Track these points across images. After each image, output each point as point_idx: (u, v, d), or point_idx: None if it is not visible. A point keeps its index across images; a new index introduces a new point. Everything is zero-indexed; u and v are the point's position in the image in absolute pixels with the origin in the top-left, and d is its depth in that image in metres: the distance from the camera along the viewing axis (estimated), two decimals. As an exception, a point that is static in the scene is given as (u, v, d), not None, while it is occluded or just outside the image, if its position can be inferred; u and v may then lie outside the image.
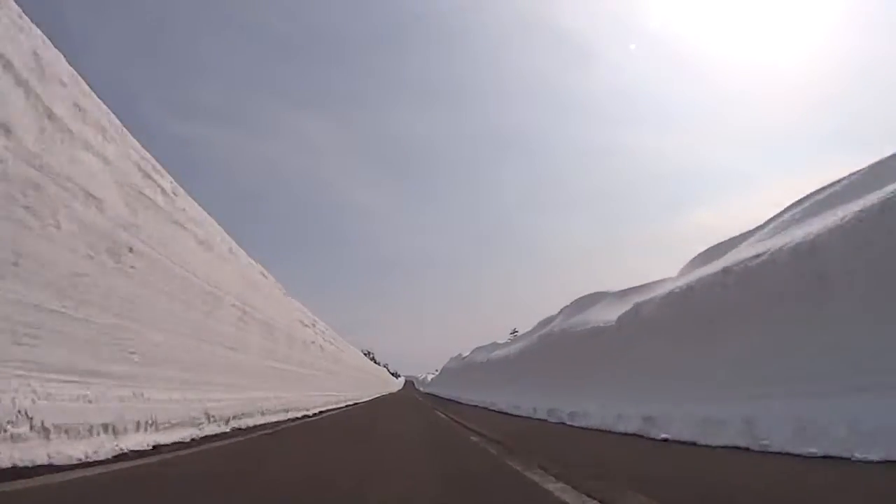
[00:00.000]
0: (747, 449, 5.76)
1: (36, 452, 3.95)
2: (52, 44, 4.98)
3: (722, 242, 12.68)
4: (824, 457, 4.88)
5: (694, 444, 6.54)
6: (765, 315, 7.75)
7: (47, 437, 4.11)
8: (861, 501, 3.13)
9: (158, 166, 6.37)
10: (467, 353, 41.96)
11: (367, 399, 27.70)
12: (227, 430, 7.17)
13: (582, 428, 9.33)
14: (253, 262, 9.75)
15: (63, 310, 4.33)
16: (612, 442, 7.18)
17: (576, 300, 18.31)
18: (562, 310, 19.57)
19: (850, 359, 6.07)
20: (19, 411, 3.65)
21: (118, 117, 6.14)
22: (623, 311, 13.27)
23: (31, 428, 3.77)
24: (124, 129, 5.80)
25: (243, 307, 8.36)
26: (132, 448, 4.97)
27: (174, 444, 5.58)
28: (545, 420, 12.06)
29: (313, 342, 14.11)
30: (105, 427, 4.82)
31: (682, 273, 12.96)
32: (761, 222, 11.62)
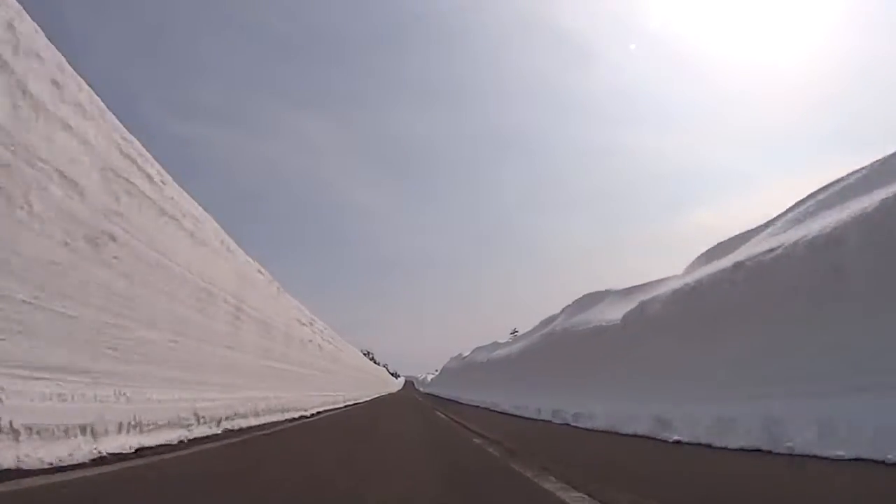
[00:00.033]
0: (769, 451, 5.44)
1: (3, 455, 3.62)
2: (48, 37, 4.68)
3: (728, 239, 12.36)
4: (855, 459, 4.56)
5: (709, 446, 6.22)
6: (778, 311, 7.44)
7: (16, 439, 3.78)
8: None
9: (145, 152, 6.03)
10: (468, 353, 41.61)
11: (367, 399, 27.34)
12: (219, 431, 6.82)
13: (589, 430, 8.98)
14: (249, 258, 9.41)
15: (34, 301, 3.99)
16: (624, 445, 6.84)
17: (579, 299, 17.98)
18: (564, 308, 19.23)
19: (871, 354, 5.76)
20: (-18, 411, 3.32)
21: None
22: (627, 309, 12.95)
23: (-2, 429, 3.44)
24: (106, 111, 5.46)
25: (238, 304, 8.02)
26: (112, 451, 4.63)
27: (159, 446, 5.24)
28: (549, 421, 11.73)
29: (311, 341, 13.77)
30: (83, 428, 4.48)
31: (688, 270, 12.65)
32: (763, 221, 11.37)
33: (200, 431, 6.37)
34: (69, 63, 5.08)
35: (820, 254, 7.02)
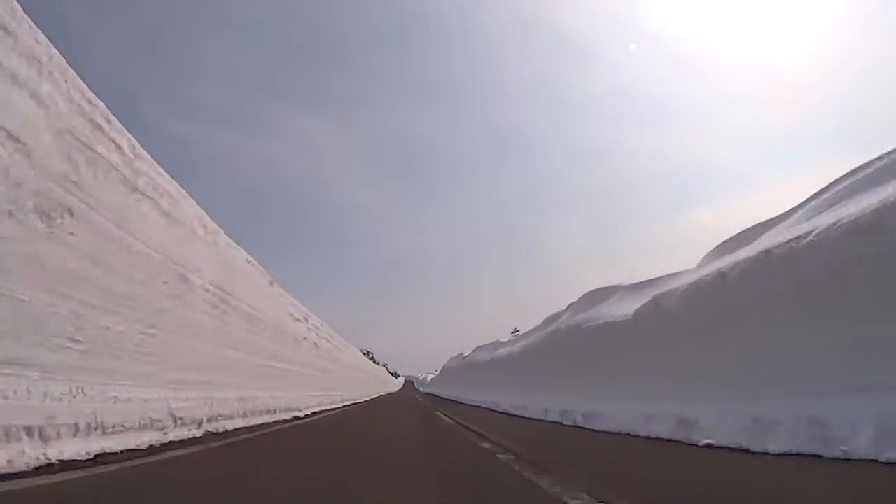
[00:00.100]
0: (819, 456, 4.79)
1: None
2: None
3: (744, 230, 11.69)
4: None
5: (747, 450, 5.56)
6: (814, 301, 6.81)
7: (-62, 444, 3.13)
8: None
9: (114, 119, 5.37)
10: (468, 353, 40.91)
11: (366, 399, 26.67)
12: (200, 434, 6.16)
13: (604, 432, 8.31)
14: (236, 245, 8.74)
15: (-36, 279, 3.33)
16: (653, 450, 6.16)
17: (585, 294, 17.32)
18: (570, 305, 18.57)
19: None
20: None
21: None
22: (638, 305, 12.29)
23: None
24: (69, 70, 4.80)
25: (222, 295, 7.35)
26: (66, 457, 3.97)
27: (124, 452, 4.57)
28: (558, 422, 11.06)
29: (305, 338, 13.09)
30: (28, 430, 3.82)
31: (703, 263, 11.99)
32: (771, 215, 10.84)
33: (177, 434, 5.71)
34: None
35: (861, 237, 6.39)
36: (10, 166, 3.88)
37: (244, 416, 7.70)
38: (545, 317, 23.34)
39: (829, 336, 6.35)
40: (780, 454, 5.11)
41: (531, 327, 25.16)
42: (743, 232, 11.58)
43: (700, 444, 6.15)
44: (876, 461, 4.33)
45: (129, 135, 5.64)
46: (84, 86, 4.96)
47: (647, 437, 7.18)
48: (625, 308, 13.52)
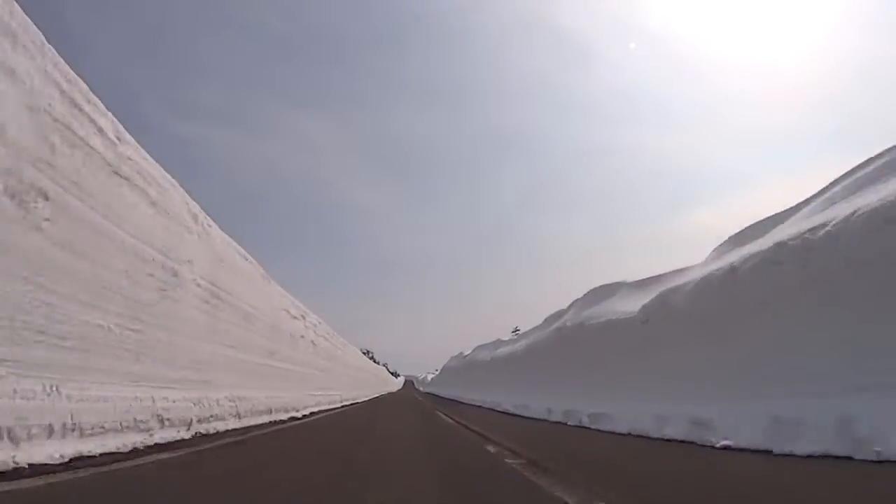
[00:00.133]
0: (849, 458, 4.47)
1: None
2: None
3: (752, 226, 11.40)
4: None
5: (769, 452, 5.25)
6: (831, 293, 6.51)
7: None
8: None
9: (96, 100, 5.04)
10: (469, 352, 40.58)
11: (365, 399, 26.32)
12: (188, 436, 5.83)
13: (614, 434, 7.97)
14: (230, 240, 8.40)
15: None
16: (670, 452, 5.84)
17: (589, 292, 16.99)
18: (573, 303, 18.23)
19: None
20: None
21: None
22: (643, 302, 11.98)
23: None
24: (47, 44, 4.47)
25: (214, 289, 7.01)
26: (38, 461, 3.65)
27: (104, 455, 4.25)
28: (563, 423, 10.74)
29: (303, 336, 12.75)
30: (-5, 432, 3.50)
31: (712, 258, 11.68)
32: (773, 214, 10.60)
33: (164, 436, 5.38)
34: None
35: (882, 226, 6.10)
36: (-25, 144, 3.56)
37: (238, 416, 7.37)
38: (546, 316, 23.05)
39: (851, 330, 6.04)
40: (807, 456, 4.80)
41: (532, 326, 24.85)
42: (751, 226, 11.28)
43: (717, 445, 5.83)
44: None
45: (112, 117, 5.31)
46: (63, 63, 4.63)
47: (661, 439, 6.84)
48: (630, 305, 13.19)
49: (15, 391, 3.70)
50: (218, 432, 6.42)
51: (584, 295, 17.40)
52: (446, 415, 13.76)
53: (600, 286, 16.76)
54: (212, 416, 6.51)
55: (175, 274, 5.93)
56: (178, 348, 6.00)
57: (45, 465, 3.64)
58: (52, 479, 3.32)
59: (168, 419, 5.53)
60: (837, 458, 4.54)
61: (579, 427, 9.61)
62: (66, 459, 3.89)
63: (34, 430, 3.79)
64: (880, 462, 4.20)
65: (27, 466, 3.51)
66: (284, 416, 9.72)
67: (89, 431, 4.33)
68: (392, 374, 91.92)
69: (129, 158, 5.42)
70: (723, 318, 8.42)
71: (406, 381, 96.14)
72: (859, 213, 6.61)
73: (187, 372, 6.20)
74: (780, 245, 7.85)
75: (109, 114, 5.27)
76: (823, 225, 7.27)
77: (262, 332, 9.35)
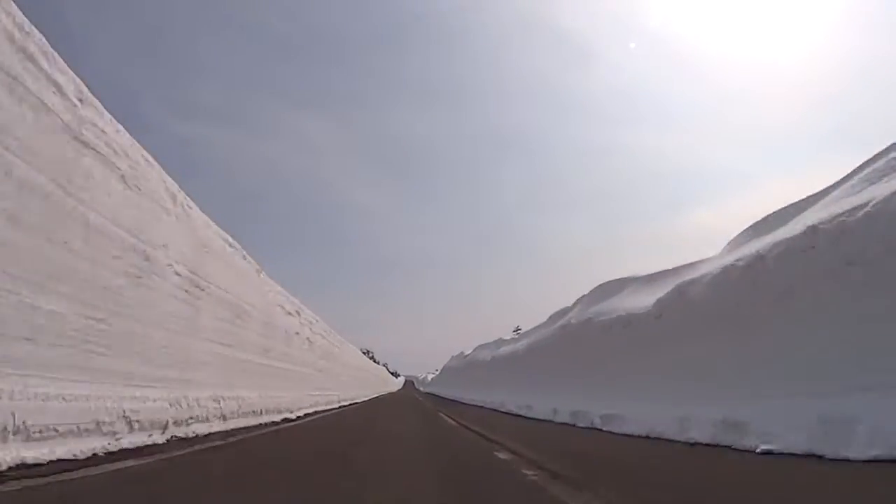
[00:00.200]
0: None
1: None
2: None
3: (774, 213, 10.72)
4: None
5: (819, 456, 4.63)
6: (872, 279, 5.92)
7: None
8: None
9: (57, 57, 4.41)
10: (469, 351, 39.93)
11: (364, 399, 25.67)
12: (163, 440, 5.20)
13: (631, 436, 7.33)
14: (215, 225, 7.75)
15: None
16: (712, 460, 5.18)
17: (596, 287, 16.36)
18: (579, 299, 17.61)
19: None
20: None
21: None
22: (656, 297, 11.36)
23: None
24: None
25: (194, 277, 6.38)
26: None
27: (53, 463, 3.61)
28: (572, 425, 10.10)
29: (298, 333, 12.12)
30: None
31: (731, 248, 11.06)
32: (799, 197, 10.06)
33: (133, 440, 4.75)
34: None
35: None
36: None
37: (223, 418, 6.73)
38: (547, 315, 22.41)
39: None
40: (869, 461, 4.19)
41: (535, 325, 24.22)
42: (772, 215, 10.61)
43: (757, 450, 5.20)
44: None
45: (74, 77, 4.68)
46: (19, 13, 4.00)
47: (688, 443, 6.21)
48: (641, 300, 12.57)
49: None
50: (198, 436, 5.79)
51: (591, 291, 16.76)
52: (450, 417, 13.13)
53: (608, 282, 16.14)
54: (192, 418, 5.88)
55: (147, 258, 5.29)
56: (151, 342, 5.37)
57: (-28, 477, 3.02)
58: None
59: (138, 421, 4.90)
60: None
61: (591, 429, 8.98)
62: (2, 468, 3.26)
63: (-38, 435, 3.16)
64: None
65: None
66: (277, 418, 9.08)
67: (37, 435, 3.70)
68: (392, 374, 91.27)
69: (94, 125, 4.79)
70: (748, 309, 7.80)
71: (406, 381, 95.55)
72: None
73: (164, 369, 5.56)
74: (812, 230, 7.24)
75: (71, 73, 4.64)
76: (861, 206, 6.68)
77: (252, 328, 8.71)
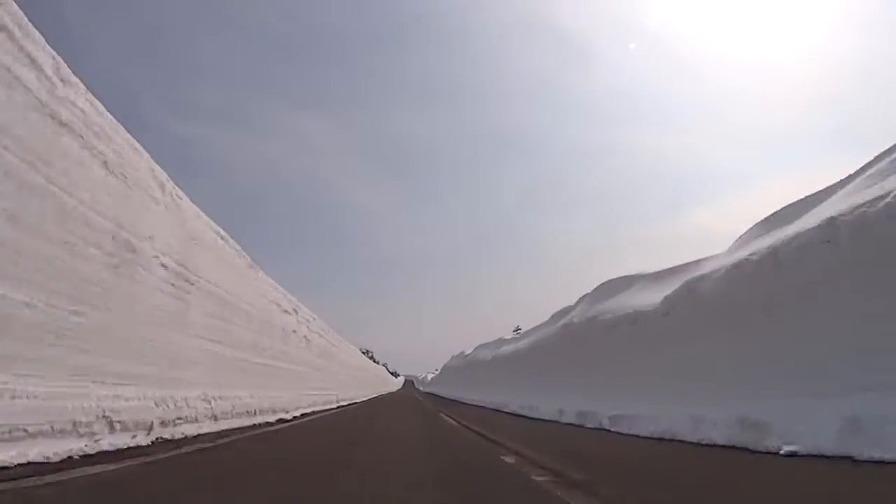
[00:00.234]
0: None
1: None
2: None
3: (784, 208, 10.42)
4: None
5: (848, 458, 4.32)
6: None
7: None
8: None
9: (31, 29, 4.10)
10: (470, 351, 39.61)
11: (363, 399, 25.33)
12: (147, 441, 4.89)
13: (644, 438, 7.00)
14: (206, 217, 7.42)
15: None
16: (735, 463, 4.84)
17: (600, 285, 16.05)
18: (582, 297, 17.31)
19: None
20: None
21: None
22: (664, 293, 11.04)
23: None
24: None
25: (183, 270, 6.06)
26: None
27: (21, 466, 3.30)
28: (579, 426, 9.77)
29: (294, 331, 11.79)
30: None
31: (740, 245, 10.74)
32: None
33: (114, 441, 4.43)
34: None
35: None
36: None
37: (214, 418, 6.41)
38: (547, 315, 22.08)
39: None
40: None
41: (536, 324, 23.88)
42: (783, 209, 10.31)
43: (782, 452, 4.88)
44: None
45: (53, 52, 4.36)
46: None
47: (706, 445, 5.88)
48: (648, 297, 12.26)
49: None
50: (186, 437, 5.47)
51: (595, 289, 16.45)
52: (451, 417, 12.81)
53: (612, 279, 15.83)
54: (179, 419, 5.56)
55: (133, 250, 4.97)
56: (136, 338, 5.05)
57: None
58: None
59: (120, 421, 4.58)
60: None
61: (600, 430, 8.65)
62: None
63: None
64: None
65: None
66: (272, 418, 8.76)
67: (6, 436, 3.39)
68: (392, 373, 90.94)
69: (76, 106, 4.47)
70: (763, 305, 7.49)
71: (406, 380, 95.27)
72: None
73: (149, 366, 5.25)
74: (830, 222, 6.93)
75: (51, 50, 4.32)
76: (882, 197, 6.39)
77: (245, 325, 8.39)
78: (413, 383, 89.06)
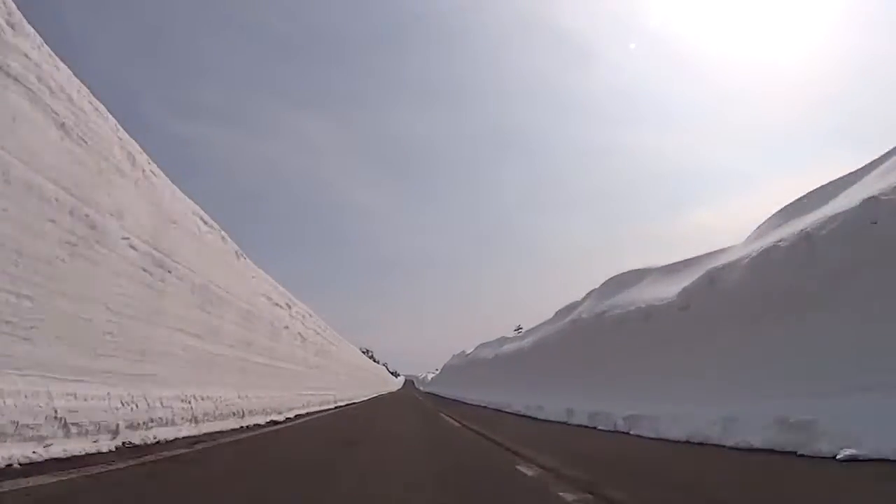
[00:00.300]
0: None
1: None
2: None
3: (809, 194, 9.76)
4: None
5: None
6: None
7: None
8: None
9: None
10: (471, 350, 38.98)
11: (363, 399, 24.69)
12: (112, 446, 4.27)
13: (669, 441, 6.36)
14: (186, 197, 6.75)
15: None
16: (789, 470, 4.23)
17: (609, 280, 15.42)
18: (589, 293, 16.67)
19: None
20: None
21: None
22: (682, 285, 10.42)
23: None
24: None
25: (157, 255, 5.41)
26: None
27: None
28: (592, 427, 9.14)
29: (287, 327, 11.16)
30: None
31: (760, 234, 10.11)
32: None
33: (70, 447, 3.81)
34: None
35: None
36: None
37: (194, 420, 5.77)
38: (548, 314, 21.43)
39: None
40: None
41: (538, 323, 23.25)
42: (808, 195, 9.67)
43: (838, 456, 4.26)
44: None
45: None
46: None
47: (743, 449, 5.25)
48: (662, 291, 11.64)
49: None
50: (159, 442, 4.84)
51: (602, 284, 15.81)
52: (453, 418, 12.18)
53: (621, 274, 15.20)
54: (152, 421, 4.92)
55: (92, 226, 4.34)
56: (98, 328, 4.42)
57: None
58: None
59: (77, 424, 3.95)
60: None
61: (616, 433, 8.01)
62: None
63: None
64: None
65: None
66: (262, 420, 8.13)
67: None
68: (392, 373, 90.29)
69: (27, 56, 3.84)
70: (797, 293, 6.88)
71: (406, 380, 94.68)
72: None
73: (115, 360, 4.61)
74: (872, 201, 6.33)
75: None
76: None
77: (233, 318, 7.75)
78: (413, 383, 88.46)
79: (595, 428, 8.87)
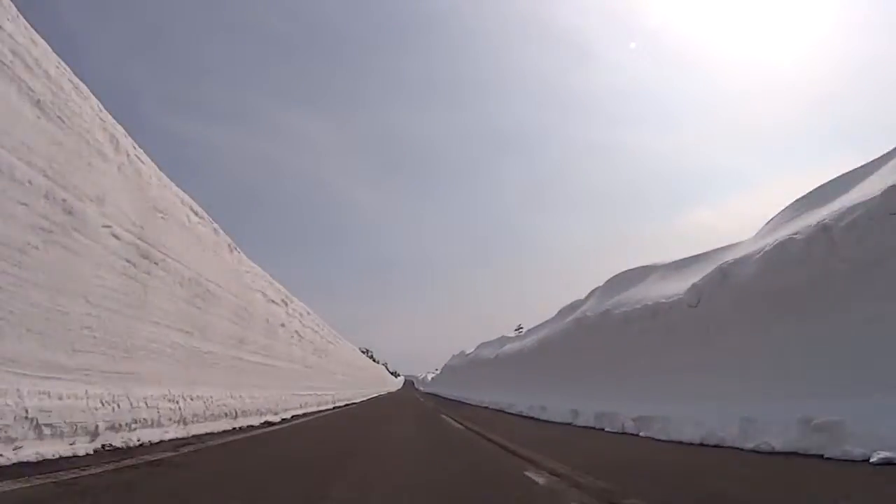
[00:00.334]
0: None
1: None
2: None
3: (821, 186, 9.44)
4: None
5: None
6: None
7: None
8: None
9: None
10: (471, 350, 38.63)
11: (362, 399, 24.38)
12: (89, 449, 3.97)
13: (683, 443, 6.03)
14: (175, 186, 6.44)
15: None
16: (826, 474, 3.91)
17: (613, 277, 15.12)
18: (592, 291, 16.38)
19: None
20: None
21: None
22: (691, 282, 10.10)
23: None
24: None
25: (142, 244, 5.11)
26: None
27: None
28: (599, 429, 8.81)
29: (283, 325, 10.85)
30: None
31: (773, 228, 9.80)
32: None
33: (43, 450, 3.51)
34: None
35: None
36: None
37: (182, 422, 5.47)
38: (549, 314, 21.10)
39: None
40: None
41: (540, 322, 22.93)
42: (820, 188, 9.35)
43: (872, 459, 3.95)
44: None
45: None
46: None
47: (765, 452, 4.94)
48: (670, 287, 11.32)
49: None
50: (142, 444, 4.53)
51: (607, 281, 15.50)
52: (455, 419, 11.86)
53: (625, 271, 14.88)
54: (136, 422, 4.62)
55: (71, 212, 4.04)
56: (76, 322, 4.11)
57: None
58: None
59: (51, 424, 3.65)
60: None
61: (626, 434, 7.70)
62: None
63: None
64: None
65: None
66: (256, 421, 7.83)
67: None
68: (391, 373, 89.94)
69: (0, 28, 3.54)
70: (815, 287, 6.58)
71: (406, 380, 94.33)
72: None
73: (94, 357, 4.31)
74: (893, 190, 6.02)
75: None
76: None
77: (226, 314, 7.44)
78: (413, 383, 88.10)
79: (602, 429, 8.56)
